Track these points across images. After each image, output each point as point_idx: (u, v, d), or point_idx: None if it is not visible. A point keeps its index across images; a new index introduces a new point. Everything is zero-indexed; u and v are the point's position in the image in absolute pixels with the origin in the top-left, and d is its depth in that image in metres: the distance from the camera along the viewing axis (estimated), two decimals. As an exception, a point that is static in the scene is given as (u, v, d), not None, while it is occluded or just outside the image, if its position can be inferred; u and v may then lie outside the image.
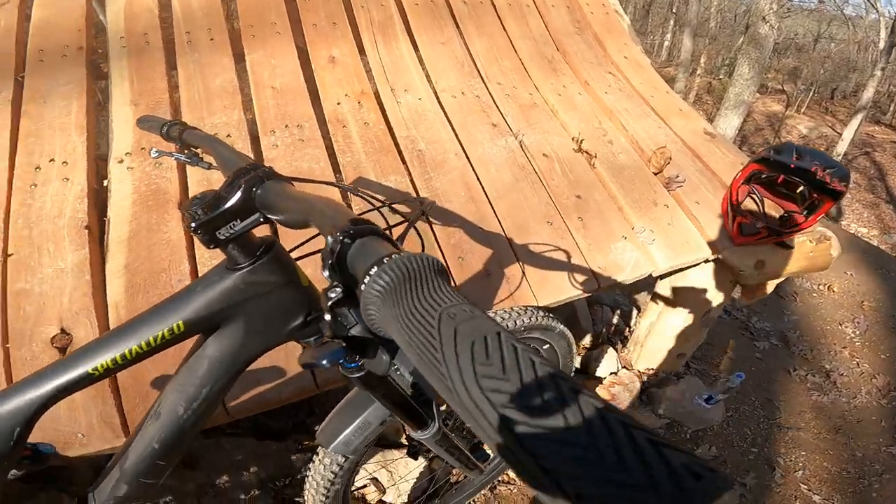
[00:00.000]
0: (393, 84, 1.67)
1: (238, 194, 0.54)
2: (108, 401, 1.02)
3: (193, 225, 0.54)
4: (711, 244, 1.43)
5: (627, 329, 2.10)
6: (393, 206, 0.77)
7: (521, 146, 1.57)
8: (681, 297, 1.63)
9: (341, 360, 0.45)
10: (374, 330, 0.37)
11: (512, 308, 1.04)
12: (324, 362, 0.43)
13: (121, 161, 1.38)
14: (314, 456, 0.95)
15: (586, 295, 1.28)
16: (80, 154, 1.38)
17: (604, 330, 2.04)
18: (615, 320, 2.13)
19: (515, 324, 1.01)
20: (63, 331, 1.09)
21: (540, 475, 0.24)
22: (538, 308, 1.10)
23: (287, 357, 1.08)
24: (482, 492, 1.46)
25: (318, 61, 1.70)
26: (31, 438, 0.68)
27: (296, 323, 0.66)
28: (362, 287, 0.36)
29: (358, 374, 0.56)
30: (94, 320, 1.10)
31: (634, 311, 2.21)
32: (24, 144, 1.39)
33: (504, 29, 1.98)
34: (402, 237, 0.66)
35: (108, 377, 0.64)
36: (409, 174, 1.42)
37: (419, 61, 1.77)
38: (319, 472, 0.94)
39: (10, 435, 0.63)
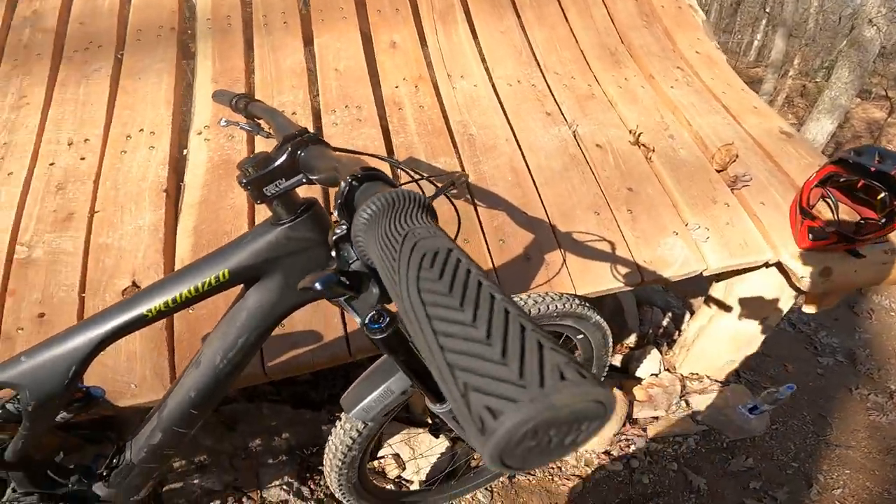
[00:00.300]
0: (450, 70, 1.68)
1: (284, 156, 0.59)
2: (163, 353, 1.10)
3: (244, 181, 0.59)
4: (774, 247, 1.32)
5: (677, 332, 2.00)
6: (430, 178, 0.79)
7: (575, 136, 1.53)
8: (736, 302, 1.52)
9: (333, 286, 0.47)
10: (360, 254, 0.40)
11: (546, 293, 1.02)
12: (317, 285, 0.47)
13: (199, 133, 1.49)
14: (337, 421, 0.97)
15: (628, 288, 1.24)
16: (166, 125, 1.50)
17: (650, 331, 1.96)
18: (665, 322, 2.03)
19: (548, 308, 0.99)
20: (134, 283, 1.20)
21: (445, 369, 0.24)
22: (574, 296, 1.07)
23: (324, 323, 1.13)
24: (501, 479, 1.44)
25: (379, 46, 1.74)
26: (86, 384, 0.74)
27: None
28: (355, 217, 0.39)
29: (380, 336, 0.59)
30: (161, 275, 1.20)
31: (687, 315, 2.10)
32: (119, 116, 1.53)
33: (566, 20, 1.93)
34: (432, 199, 0.67)
35: (161, 320, 0.69)
36: (459, 157, 1.43)
37: (477, 49, 1.77)
38: (339, 437, 0.96)
39: (66, 373, 0.68)
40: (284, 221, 0.64)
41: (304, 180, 0.59)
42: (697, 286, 1.87)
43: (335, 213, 0.44)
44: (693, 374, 1.76)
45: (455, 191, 1.02)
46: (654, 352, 1.78)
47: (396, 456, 1.46)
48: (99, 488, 0.95)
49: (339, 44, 1.74)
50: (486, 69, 1.71)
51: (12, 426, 0.78)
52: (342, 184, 0.44)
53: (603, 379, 1.36)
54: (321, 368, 1.14)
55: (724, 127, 1.63)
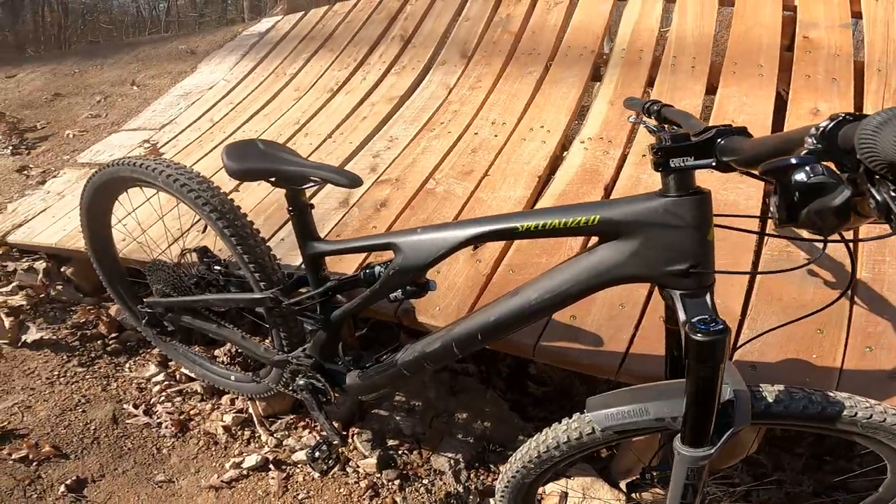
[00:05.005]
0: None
1: (704, 137, 0.59)
2: (472, 294, 1.21)
3: (657, 146, 0.61)
4: None
5: None
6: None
7: None
8: None
9: (812, 170, 0.45)
10: (864, 155, 0.40)
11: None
12: (792, 160, 0.46)
13: (582, 142, 1.61)
14: (566, 418, 0.86)
15: None
16: (560, 129, 1.68)
17: None
18: None
19: (885, 420, 0.72)
20: None
21: None
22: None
23: (612, 334, 1.08)
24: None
25: (796, 110, 1.51)
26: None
27: (676, 267, 0.64)
28: (865, 123, 0.40)
29: (701, 338, 0.59)
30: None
31: None
32: (531, 111, 1.80)
33: None
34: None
35: (527, 238, 0.72)
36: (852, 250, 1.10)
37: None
38: (558, 430, 0.84)
39: (435, 253, 0.77)
40: (671, 195, 0.63)
41: (714, 164, 0.59)
42: None
43: (810, 141, 0.45)
44: None
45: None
46: None
47: (565, 494, 1.30)
48: (351, 377, 1.05)
49: (746, 98, 1.58)
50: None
51: (360, 291, 0.91)
52: (826, 122, 0.45)
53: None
54: (580, 371, 1.11)
55: None
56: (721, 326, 0.60)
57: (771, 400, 0.74)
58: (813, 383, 0.94)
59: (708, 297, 0.65)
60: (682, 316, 0.63)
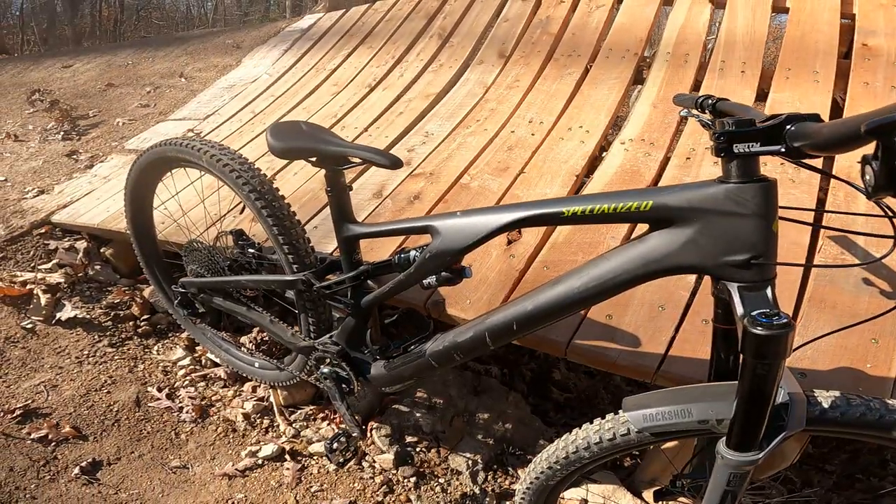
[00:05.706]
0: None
1: (774, 122, 0.56)
2: (504, 290, 1.19)
3: (720, 131, 0.58)
4: None
5: None
6: None
7: None
8: None
9: None
10: None
11: None
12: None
13: (622, 143, 1.57)
14: (599, 418, 0.80)
15: None
16: (600, 129, 1.65)
17: None
18: None
19: None
20: (519, 231, 1.32)
21: None
22: None
23: (651, 334, 1.04)
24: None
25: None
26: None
27: (736, 257, 0.61)
28: None
29: (762, 332, 0.55)
30: (533, 235, 1.31)
31: None
32: (570, 112, 1.77)
33: None
34: None
35: (572, 224, 0.68)
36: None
37: None
38: (590, 430, 0.79)
39: (473, 237, 0.75)
40: (732, 181, 0.60)
41: (782, 150, 0.56)
42: None
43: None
44: None
45: None
46: None
47: (584, 501, 1.25)
48: (376, 367, 1.02)
49: (800, 104, 1.54)
50: None
51: (392, 277, 0.89)
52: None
53: None
54: (614, 371, 1.07)
55: None
56: (785, 321, 0.56)
57: (826, 406, 0.70)
58: (866, 393, 0.88)
59: (769, 291, 0.61)
60: (739, 309, 0.59)
